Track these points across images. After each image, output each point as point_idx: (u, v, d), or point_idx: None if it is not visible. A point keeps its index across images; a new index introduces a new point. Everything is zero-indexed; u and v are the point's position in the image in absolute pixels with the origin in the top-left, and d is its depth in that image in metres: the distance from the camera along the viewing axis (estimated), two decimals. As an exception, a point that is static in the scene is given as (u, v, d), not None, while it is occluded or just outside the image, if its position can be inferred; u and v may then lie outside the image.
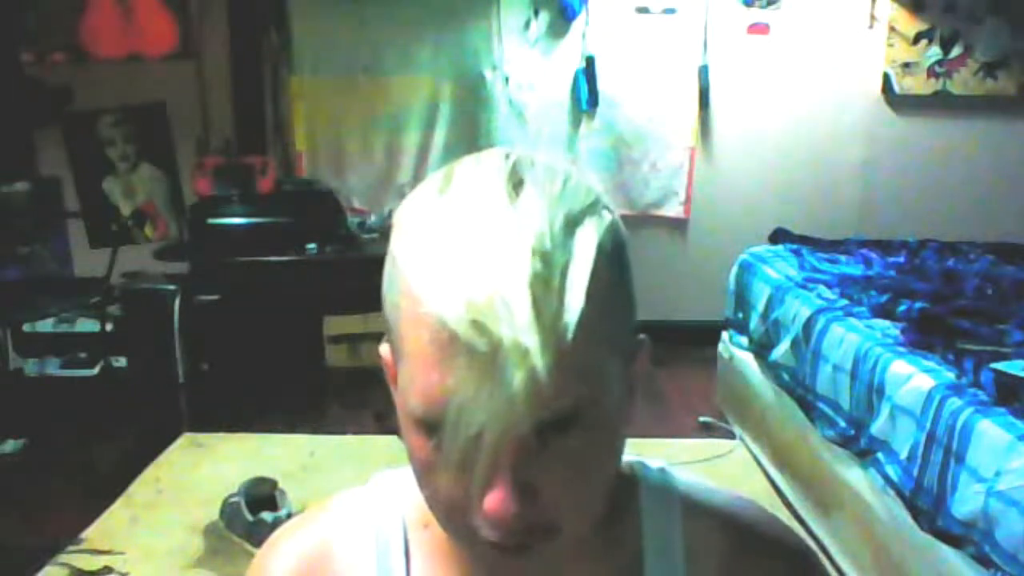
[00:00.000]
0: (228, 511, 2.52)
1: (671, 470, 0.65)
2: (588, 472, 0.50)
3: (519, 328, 0.44)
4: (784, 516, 2.33)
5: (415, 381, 0.48)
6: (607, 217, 0.50)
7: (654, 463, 0.65)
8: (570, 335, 0.45)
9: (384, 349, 0.55)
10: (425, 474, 0.51)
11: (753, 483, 2.85)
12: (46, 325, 3.78)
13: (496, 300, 0.44)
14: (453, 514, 0.51)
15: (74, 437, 3.26)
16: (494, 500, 0.47)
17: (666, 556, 0.61)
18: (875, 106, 4.05)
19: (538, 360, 0.43)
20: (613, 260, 0.49)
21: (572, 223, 0.48)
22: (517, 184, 0.48)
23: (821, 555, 2.37)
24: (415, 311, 0.47)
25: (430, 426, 0.48)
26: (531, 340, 0.44)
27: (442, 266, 0.46)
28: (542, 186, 0.49)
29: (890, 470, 2.04)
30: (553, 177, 0.50)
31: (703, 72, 3.98)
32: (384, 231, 3.93)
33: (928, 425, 1.91)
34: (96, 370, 3.79)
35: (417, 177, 4.10)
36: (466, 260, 0.46)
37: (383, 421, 3.19)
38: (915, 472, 1.93)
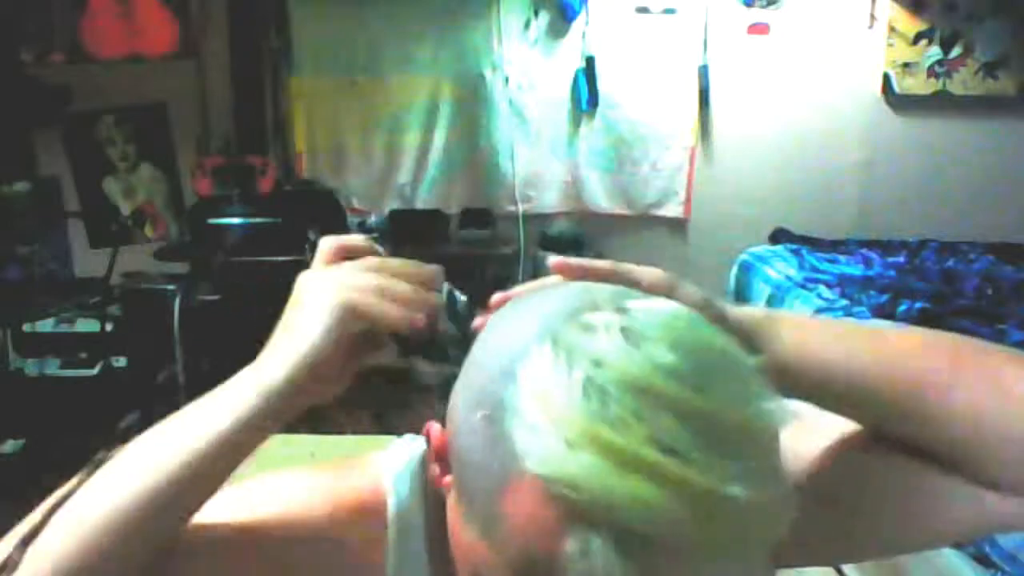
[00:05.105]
0: (228, 511, 2.52)
1: None
2: None
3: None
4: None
5: None
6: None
7: None
8: None
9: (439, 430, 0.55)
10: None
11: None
12: (46, 325, 3.78)
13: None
14: None
15: (74, 437, 3.26)
16: None
17: None
18: (875, 106, 4.05)
19: None
20: None
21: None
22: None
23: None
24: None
25: None
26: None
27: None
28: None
29: (890, 470, 2.04)
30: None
31: (703, 72, 3.98)
32: (384, 231, 3.93)
33: (928, 425, 1.90)
34: (96, 370, 3.78)
35: (417, 177, 4.10)
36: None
37: (382, 421, 3.19)
38: (915, 472, 1.93)
